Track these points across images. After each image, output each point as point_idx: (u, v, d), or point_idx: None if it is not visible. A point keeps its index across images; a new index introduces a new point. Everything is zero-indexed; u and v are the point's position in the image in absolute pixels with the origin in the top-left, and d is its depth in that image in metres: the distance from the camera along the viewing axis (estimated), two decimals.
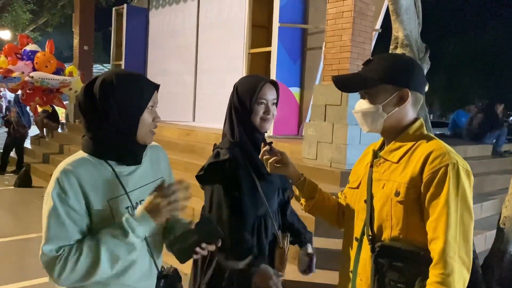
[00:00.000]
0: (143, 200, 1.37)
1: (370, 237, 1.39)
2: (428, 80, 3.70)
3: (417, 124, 1.43)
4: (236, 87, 1.82)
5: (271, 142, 1.57)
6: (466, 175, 1.30)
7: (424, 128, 1.44)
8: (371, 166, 1.48)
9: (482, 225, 4.84)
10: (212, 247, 1.38)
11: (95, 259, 1.24)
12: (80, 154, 1.36)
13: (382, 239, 1.36)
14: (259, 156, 1.59)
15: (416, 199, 1.31)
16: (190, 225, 1.38)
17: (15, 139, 8.83)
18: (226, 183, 1.68)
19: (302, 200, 1.67)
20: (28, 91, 8.59)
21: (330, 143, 4.90)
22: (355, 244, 1.49)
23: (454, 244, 1.23)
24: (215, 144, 1.83)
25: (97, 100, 1.32)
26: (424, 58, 3.67)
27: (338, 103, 4.87)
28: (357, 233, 1.49)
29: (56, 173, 1.30)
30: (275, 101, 1.82)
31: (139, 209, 1.30)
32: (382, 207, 1.37)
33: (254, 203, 1.70)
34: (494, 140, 8.20)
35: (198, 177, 1.74)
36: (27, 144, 9.91)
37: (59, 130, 11.09)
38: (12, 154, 9.03)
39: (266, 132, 1.84)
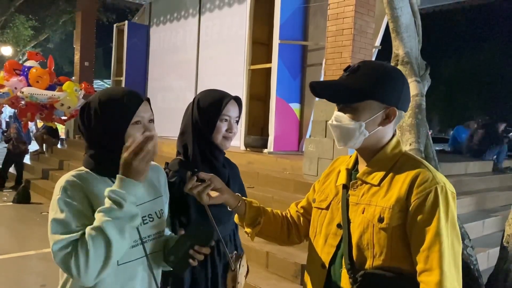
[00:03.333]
0: (144, 216, 1.39)
1: (349, 267, 1.25)
2: (427, 96, 3.74)
3: (394, 141, 1.32)
4: (197, 101, 1.72)
5: (198, 170, 1.38)
6: (453, 198, 1.21)
7: (402, 145, 1.34)
8: (345, 187, 1.35)
9: (484, 243, 4.80)
10: (207, 250, 1.36)
11: (104, 237, 1.20)
12: (83, 169, 1.38)
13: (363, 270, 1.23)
14: (186, 190, 1.39)
15: (401, 225, 1.20)
16: (181, 232, 1.36)
17: (15, 155, 8.80)
18: (174, 206, 1.60)
19: (247, 229, 1.49)
20: (21, 106, 8.63)
21: (331, 159, 4.89)
22: (322, 271, 1.34)
23: (449, 275, 1.14)
24: (166, 163, 1.73)
25: (85, 120, 1.35)
26: (425, 75, 3.69)
27: None
28: (325, 259, 1.34)
29: (61, 182, 1.30)
30: (237, 118, 1.75)
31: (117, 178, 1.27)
32: (362, 234, 1.24)
33: None
34: (495, 157, 8.20)
35: None
36: (27, 159, 9.89)
37: (59, 145, 11.08)
38: (11, 169, 9.00)
39: (226, 150, 1.75)
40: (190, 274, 1.65)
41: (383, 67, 1.31)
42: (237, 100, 1.74)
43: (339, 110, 1.31)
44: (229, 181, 1.79)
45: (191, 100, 1.79)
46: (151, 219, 1.43)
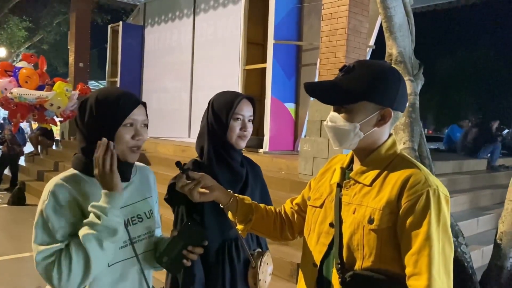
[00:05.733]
0: (133, 217, 1.41)
1: (339, 266, 1.23)
2: (422, 95, 3.76)
3: (390, 142, 1.29)
4: (211, 103, 1.75)
5: (188, 169, 1.42)
6: (446, 202, 1.17)
7: (397, 146, 1.31)
8: (339, 186, 1.33)
9: (478, 240, 4.84)
10: (200, 250, 1.37)
11: (84, 251, 1.23)
12: (71, 171, 1.38)
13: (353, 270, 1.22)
14: (177, 188, 1.42)
15: (391, 227, 1.18)
16: (174, 233, 1.38)
17: (10, 156, 8.77)
18: (188, 205, 1.61)
19: (238, 226, 1.50)
20: (12, 107, 8.59)
21: (326, 159, 4.91)
22: (313, 270, 1.33)
23: (439, 280, 1.11)
24: (184, 164, 1.75)
25: (80, 117, 1.37)
26: (418, 75, 3.71)
27: None
28: (316, 258, 1.33)
29: (49, 186, 1.30)
30: (251, 118, 1.75)
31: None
32: (353, 235, 1.22)
33: (219, 226, 1.64)
34: (489, 155, 8.25)
35: (165, 200, 1.70)
36: (21, 161, 9.85)
37: (54, 147, 11.04)
38: (6, 171, 8.96)
39: (242, 149, 1.77)
40: (204, 271, 1.64)
41: (379, 67, 1.27)
42: (251, 99, 1.76)
43: (334, 111, 1.29)
44: (248, 180, 1.80)
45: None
46: (140, 220, 1.44)
